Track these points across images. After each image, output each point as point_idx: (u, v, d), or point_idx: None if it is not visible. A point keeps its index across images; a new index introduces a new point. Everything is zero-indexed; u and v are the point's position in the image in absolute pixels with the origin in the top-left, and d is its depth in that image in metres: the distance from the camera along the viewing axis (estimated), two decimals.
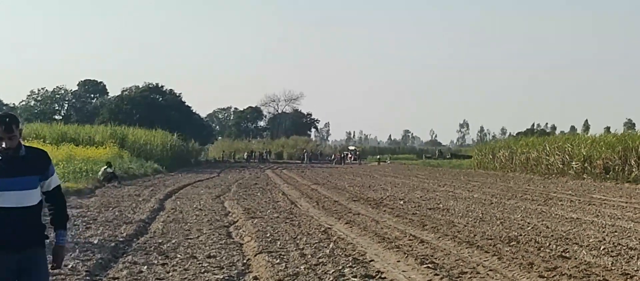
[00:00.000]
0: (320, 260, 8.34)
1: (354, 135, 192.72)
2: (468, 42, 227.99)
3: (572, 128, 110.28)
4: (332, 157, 75.60)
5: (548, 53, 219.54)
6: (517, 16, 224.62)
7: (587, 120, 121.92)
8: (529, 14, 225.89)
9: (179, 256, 8.67)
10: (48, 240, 4.08)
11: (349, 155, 76.45)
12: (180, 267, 7.97)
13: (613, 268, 8.05)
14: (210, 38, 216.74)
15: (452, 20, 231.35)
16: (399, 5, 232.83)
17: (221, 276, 7.49)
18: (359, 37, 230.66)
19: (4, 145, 3.78)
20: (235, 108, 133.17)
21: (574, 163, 33.33)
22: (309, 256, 8.66)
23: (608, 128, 68.25)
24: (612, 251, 9.24)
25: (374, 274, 7.59)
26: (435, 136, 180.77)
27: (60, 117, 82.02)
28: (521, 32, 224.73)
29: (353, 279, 7.37)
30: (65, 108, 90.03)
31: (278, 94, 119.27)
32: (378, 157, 77.08)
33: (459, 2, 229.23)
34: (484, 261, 8.41)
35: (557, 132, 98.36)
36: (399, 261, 8.49)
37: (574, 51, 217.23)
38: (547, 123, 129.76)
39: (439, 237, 10.54)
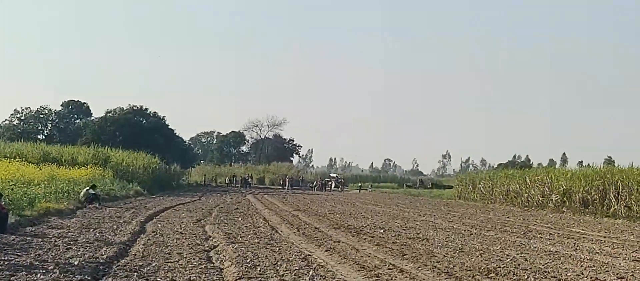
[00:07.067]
0: None
1: (335, 162, 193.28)
2: (450, 73, 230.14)
3: (551, 161, 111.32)
4: (314, 183, 75.57)
5: (530, 85, 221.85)
6: (499, 48, 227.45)
7: (564, 153, 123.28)
8: (512, 47, 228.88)
9: (159, 279, 8.67)
10: None
11: (330, 182, 76.56)
12: None
13: None
14: (195, 62, 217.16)
15: (434, 51, 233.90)
16: (382, 34, 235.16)
17: None
18: (342, 65, 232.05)
19: None
20: (218, 133, 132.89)
21: (553, 196, 33.59)
22: None
23: (581, 163, 69.22)
24: None
25: None
26: (417, 165, 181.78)
27: (43, 137, 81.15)
28: (504, 64, 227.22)
29: None
30: (49, 128, 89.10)
31: (261, 119, 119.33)
32: (359, 184, 77.23)
33: (442, 34, 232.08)
34: None
35: (536, 164, 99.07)
36: None
37: (556, 84, 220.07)
38: (527, 156, 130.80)
39: (418, 267, 10.59)
